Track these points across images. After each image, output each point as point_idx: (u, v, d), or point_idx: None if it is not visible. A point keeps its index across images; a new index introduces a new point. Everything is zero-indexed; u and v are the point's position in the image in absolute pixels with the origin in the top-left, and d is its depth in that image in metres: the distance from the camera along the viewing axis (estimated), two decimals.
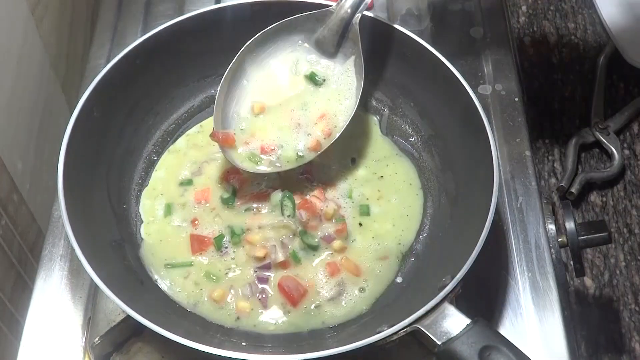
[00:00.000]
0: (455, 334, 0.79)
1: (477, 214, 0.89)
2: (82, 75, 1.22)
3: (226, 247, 0.96)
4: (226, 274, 0.94)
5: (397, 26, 1.05)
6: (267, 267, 0.94)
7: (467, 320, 0.80)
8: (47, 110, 1.23)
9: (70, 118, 0.94)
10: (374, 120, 1.10)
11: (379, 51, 1.08)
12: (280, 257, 0.93)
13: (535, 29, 1.44)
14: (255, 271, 0.94)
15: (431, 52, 1.02)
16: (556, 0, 1.48)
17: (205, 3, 1.26)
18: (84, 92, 0.96)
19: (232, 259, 0.95)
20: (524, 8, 1.48)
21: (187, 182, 1.02)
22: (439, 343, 0.79)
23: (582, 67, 1.38)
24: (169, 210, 0.99)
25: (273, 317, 0.92)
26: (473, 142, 0.96)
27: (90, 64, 1.21)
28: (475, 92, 1.04)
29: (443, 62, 1.01)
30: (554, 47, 1.42)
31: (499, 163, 0.92)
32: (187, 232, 0.97)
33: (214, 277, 0.94)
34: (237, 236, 0.95)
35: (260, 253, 0.94)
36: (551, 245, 1.01)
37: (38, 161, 1.18)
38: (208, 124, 1.08)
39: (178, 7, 1.28)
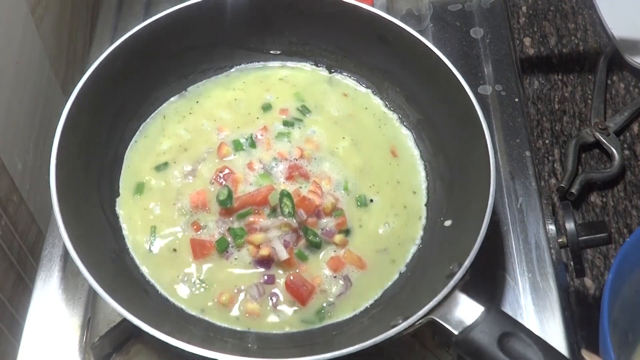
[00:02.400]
0: (470, 323, 0.78)
1: (475, 198, 0.89)
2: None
3: (229, 250, 0.94)
4: (231, 277, 0.93)
5: (376, 11, 1.04)
6: (271, 266, 0.93)
7: (481, 308, 0.79)
8: (47, 111, 1.22)
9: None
10: (364, 106, 1.09)
11: (360, 36, 1.07)
12: (285, 255, 0.92)
13: (535, 29, 1.44)
14: (260, 271, 0.93)
15: (413, 36, 1.01)
16: (556, 0, 1.48)
17: None
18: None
19: (236, 259, 0.94)
20: (524, 8, 1.47)
21: (182, 186, 1.00)
22: (455, 333, 0.78)
23: (582, 67, 1.38)
24: (165, 216, 0.97)
25: (283, 317, 0.91)
26: (463, 124, 0.96)
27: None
28: (475, 93, 1.04)
29: (424, 44, 0.99)
30: (554, 47, 1.41)
31: (493, 143, 0.91)
32: (186, 237, 0.95)
33: (219, 281, 0.92)
34: (239, 238, 0.94)
35: (264, 252, 0.92)
36: (551, 245, 1.00)
37: (38, 162, 1.18)
38: (193, 124, 1.06)
39: None
